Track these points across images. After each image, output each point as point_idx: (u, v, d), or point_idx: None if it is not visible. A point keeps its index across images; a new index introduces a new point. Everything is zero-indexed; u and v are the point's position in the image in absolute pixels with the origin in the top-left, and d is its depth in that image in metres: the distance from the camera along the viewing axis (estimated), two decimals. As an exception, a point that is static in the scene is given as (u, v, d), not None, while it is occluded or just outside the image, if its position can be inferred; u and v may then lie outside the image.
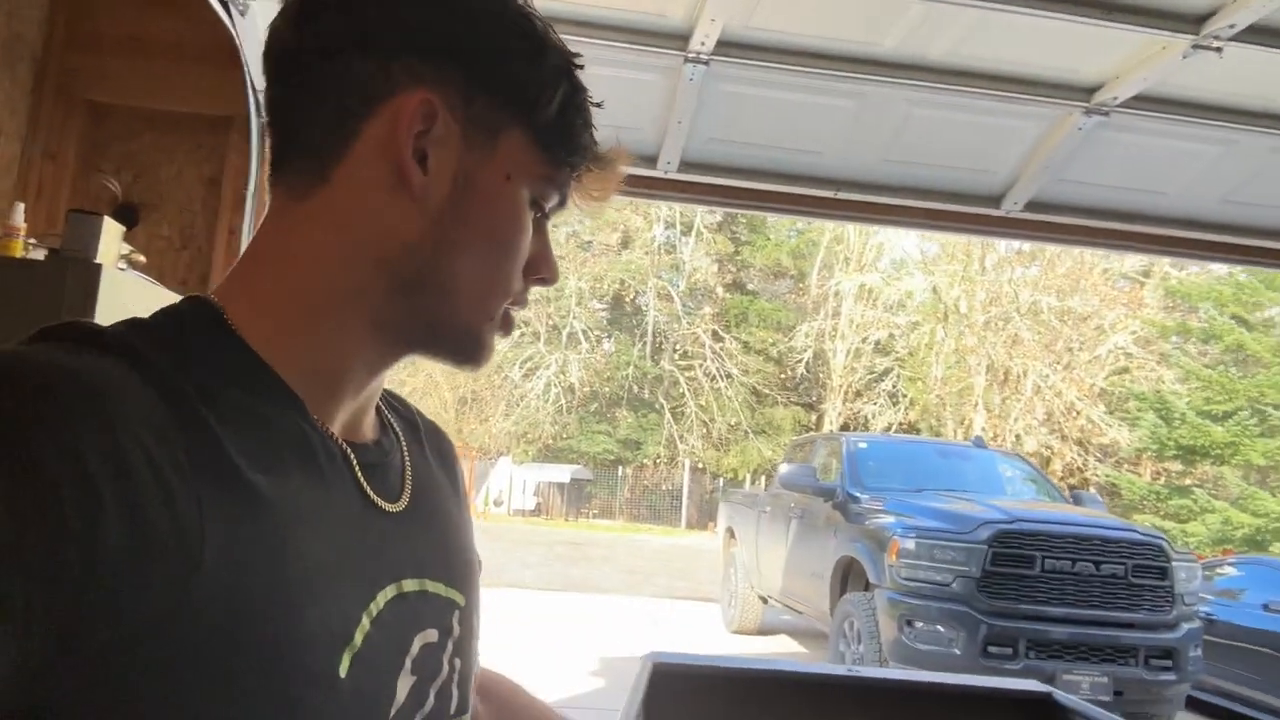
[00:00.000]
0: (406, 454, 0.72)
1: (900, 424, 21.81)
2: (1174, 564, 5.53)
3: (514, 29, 0.65)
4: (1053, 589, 5.43)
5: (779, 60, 2.57)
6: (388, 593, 0.61)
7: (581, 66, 0.68)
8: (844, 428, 20.87)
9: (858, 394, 22.87)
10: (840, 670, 2.00)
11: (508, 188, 0.64)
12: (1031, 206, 3.08)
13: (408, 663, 0.62)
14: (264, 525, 0.53)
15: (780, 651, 8.53)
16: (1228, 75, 2.45)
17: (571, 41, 0.69)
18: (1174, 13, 2.19)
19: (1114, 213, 3.13)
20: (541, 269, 0.69)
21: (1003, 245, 21.35)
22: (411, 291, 0.63)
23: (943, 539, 5.43)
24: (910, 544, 5.53)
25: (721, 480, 22.85)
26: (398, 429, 0.73)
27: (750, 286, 26.11)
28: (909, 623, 5.44)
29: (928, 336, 22.63)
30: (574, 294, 21.48)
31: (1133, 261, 21.39)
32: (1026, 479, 7.33)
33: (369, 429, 0.69)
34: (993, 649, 5.26)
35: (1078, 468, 21.60)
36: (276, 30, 0.64)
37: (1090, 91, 2.60)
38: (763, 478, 21.59)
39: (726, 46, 2.55)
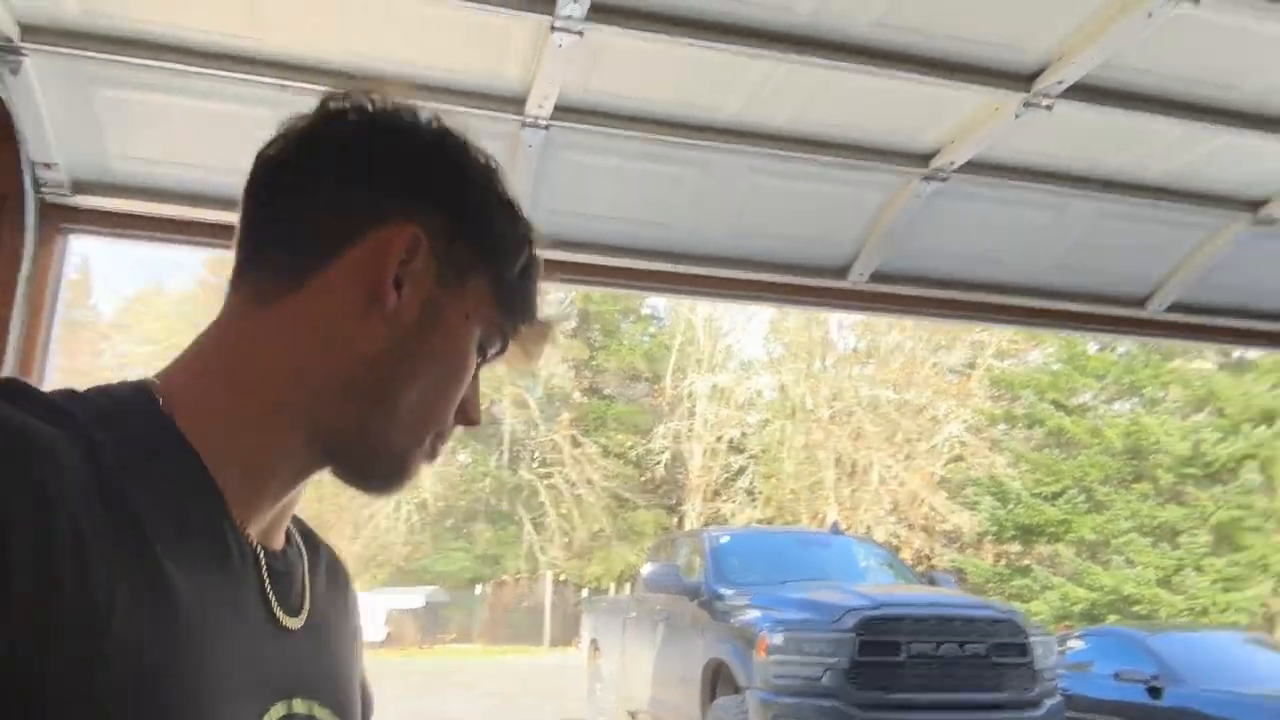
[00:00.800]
0: (307, 571, 0.73)
1: (758, 520, 22.05)
2: (1031, 640, 5.58)
3: (500, 194, 0.74)
4: (919, 674, 5.35)
5: (620, 126, 2.45)
6: (277, 710, 0.62)
7: (537, 241, 0.77)
8: (707, 523, 20.84)
9: (716, 493, 23.02)
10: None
11: (466, 326, 0.71)
12: (876, 277, 3.06)
13: None
14: (170, 615, 0.54)
15: (651, 769, 8.04)
16: (1056, 137, 2.52)
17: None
18: (1005, 71, 2.22)
19: (955, 282, 3.15)
20: (470, 410, 0.74)
21: (840, 343, 22.37)
22: (360, 402, 0.67)
23: (810, 631, 5.27)
24: (779, 639, 5.34)
25: (586, 591, 22.20)
26: (299, 543, 0.75)
27: (606, 391, 26.16)
28: (782, 724, 5.19)
29: (778, 433, 23.25)
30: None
31: (959, 355, 22.84)
32: (883, 564, 7.36)
33: (279, 538, 0.71)
34: (867, 745, 5.07)
35: (925, 554, 22.31)
36: (276, 143, 0.70)
37: (928, 158, 2.61)
38: (627, 584, 21.13)
39: (566, 111, 2.41)
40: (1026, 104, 2.25)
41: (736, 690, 5.70)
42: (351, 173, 0.69)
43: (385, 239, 0.67)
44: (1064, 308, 3.27)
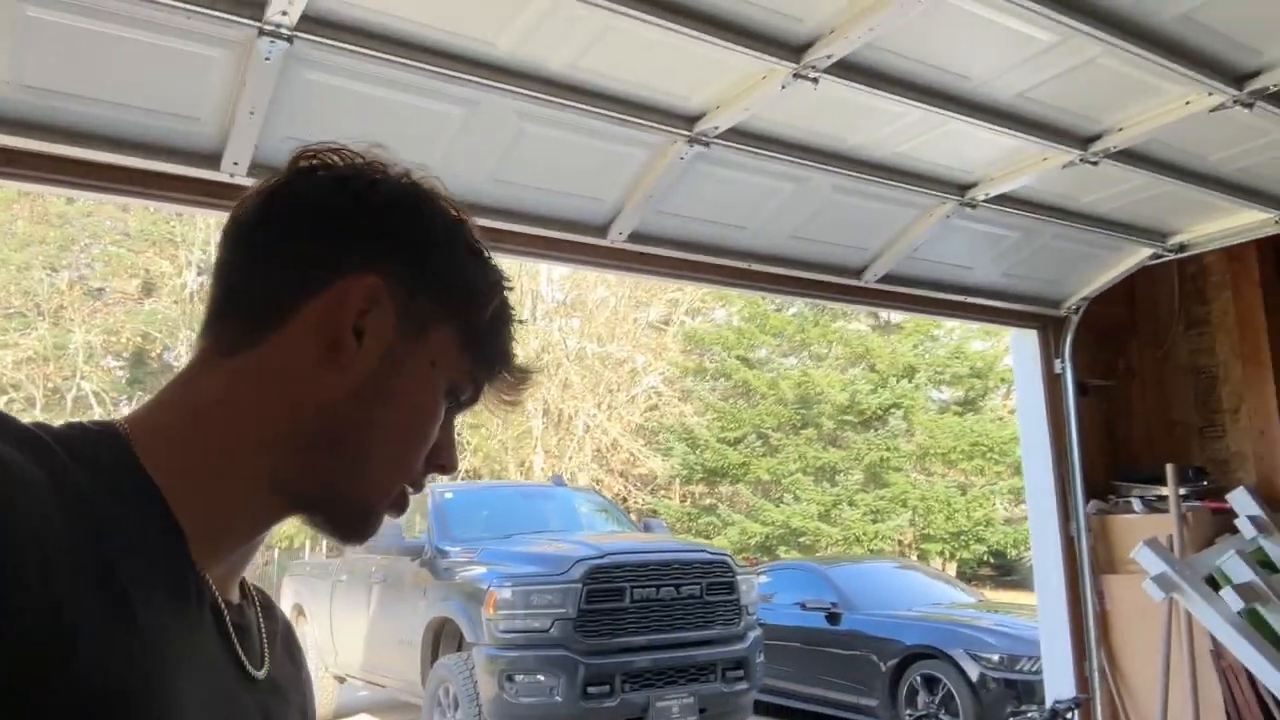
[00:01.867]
0: (263, 629, 0.73)
1: (466, 471, 21.90)
2: (739, 578, 6.04)
3: (468, 244, 0.74)
4: (641, 618, 5.59)
5: (380, 48, 2.18)
6: None
7: (512, 288, 0.77)
8: (408, 481, 20.31)
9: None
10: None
11: (430, 374, 0.71)
12: (634, 237, 3.06)
13: None
14: (138, 648, 0.54)
15: (360, 733, 7.74)
16: (812, 111, 2.63)
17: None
18: (779, 39, 2.25)
19: (705, 246, 3.24)
20: (442, 457, 0.73)
21: (549, 296, 22.66)
22: (321, 454, 0.67)
23: (539, 584, 5.30)
24: (507, 593, 5.31)
25: (276, 551, 20.77)
26: (256, 600, 0.74)
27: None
28: (509, 678, 5.20)
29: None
30: (81, 349, 18.06)
31: (657, 311, 24.03)
32: (602, 512, 7.60)
33: (234, 589, 0.70)
34: (591, 689, 5.24)
35: (623, 497, 23.48)
36: (247, 200, 0.71)
37: (694, 120, 2.62)
38: (323, 544, 20.07)
39: (314, 23, 2.10)
40: (796, 75, 2.31)
41: (460, 648, 5.62)
42: (314, 228, 0.70)
43: (344, 290, 0.68)
44: (796, 275, 3.49)
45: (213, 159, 2.30)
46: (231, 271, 0.71)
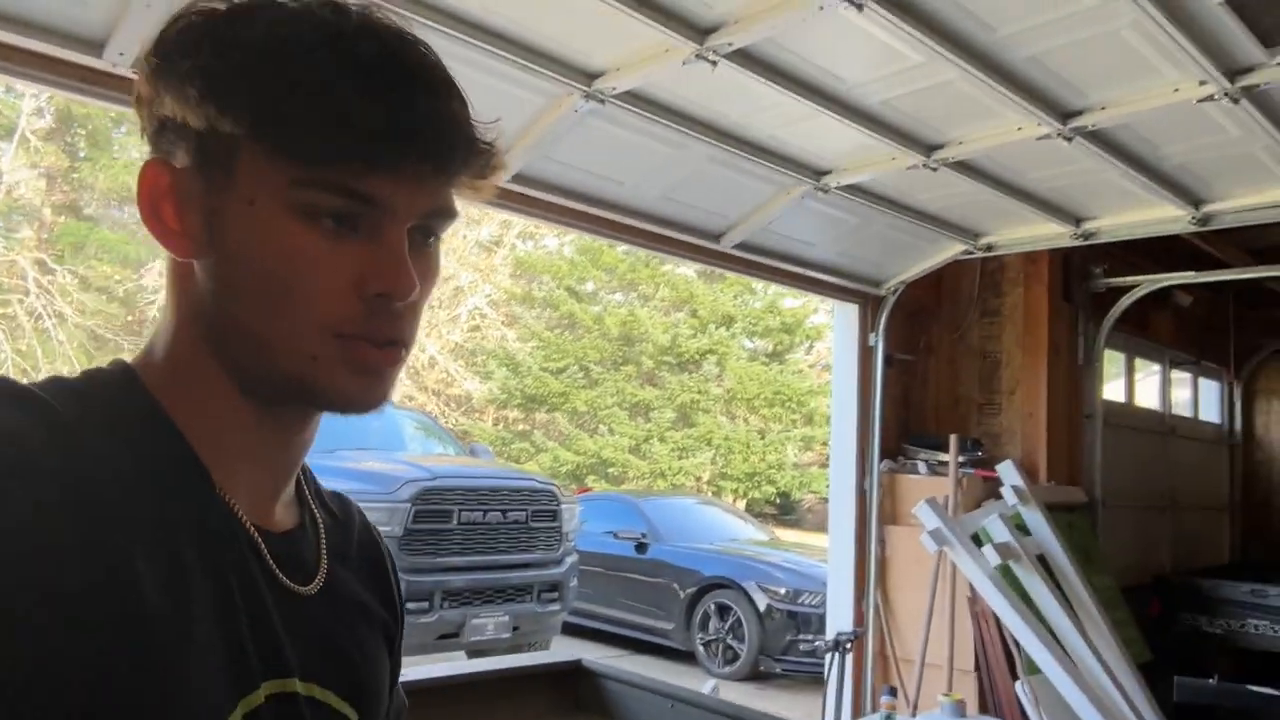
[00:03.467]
0: (325, 549, 0.68)
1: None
2: (562, 507, 6.31)
3: (214, 29, 0.58)
4: (465, 540, 5.75)
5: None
6: (269, 687, 0.58)
7: (344, 17, 0.58)
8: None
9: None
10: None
11: (254, 214, 0.58)
12: (519, 179, 3.14)
13: None
14: (137, 606, 0.51)
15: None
16: (702, 86, 2.80)
17: None
18: (686, 19, 2.39)
19: (584, 196, 3.36)
20: (372, 282, 0.58)
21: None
22: (232, 353, 0.61)
23: (365, 501, 5.31)
24: (331, 509, 5.30)
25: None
26: (321, 524, 0.69)
27: (88, 211, 22.12)
28: (326, 590, 5.22)
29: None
30: None
31: (487, 230, 23.59)
32: (430, 435, 7.62)
33: (284, 517, 0.66)
34: (410, 606, 5.35)
35: (436, 417, 23.19)
36: None
37: (593, 77, 2.72)
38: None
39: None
40: (698, 55, 2.46)
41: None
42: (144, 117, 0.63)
43: (139, 182, 0.61)
44: (664, 233, 3.68)
45: (96, 46, 2.17)
46: None
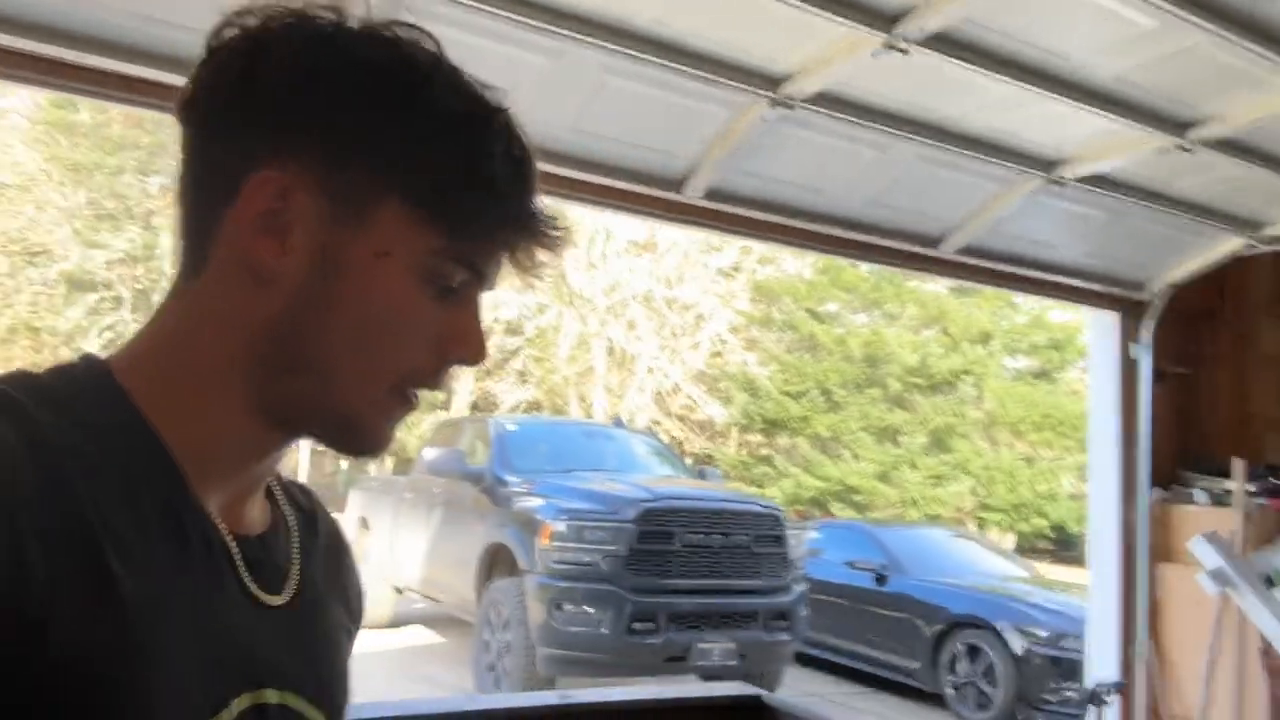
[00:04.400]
0: (296, 550, 0.68)
1: (528, 403, 22.34)
2: (787, 532, 6.13)
3: (381, 82, 0.59)
4: (689, 562, 5.73)
5: (469, -3, 2.23)
6: (244, 700, 0.58)
7: (501, 110, 0.61)
8: (474, 407, 20.81)
9: (488, 372, 22.94)
10: (553, 699, 1.79)
11: (383, 266, 0.59)
12: (711, 195, 3.08)
13: None
14: (116, 616, 0.51)
15: (416, 642, 8.14)
16: (899, 81, 2.60)
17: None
18: (870, 7, 2.23)
19: (781, 207, 3.24)
20: (456, 349, 0.63)
21: (621, 235, 22.64)
22: (283, 375, 0.61)
23: (593, 520, 5.46)
24: (562, 527, 5.50)
25: (344, 464, 21.61)
26: (291, 522, 0.69)
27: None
28: (558, 606, 5.41)
29: (555, 318, 23.35)
30: (169, 254, 18.82)
31: (728, 257, 23.82)
32: (660, 457, 7.73)
33: (256, 519, 0.66)
34: (637, 625, 5.42)
35: (680, 442, 23.65)
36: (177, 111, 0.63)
37: (778, 83, 2.61)
38: (389, 461, 20.78)
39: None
40: (887, 45, 2.28)
41: (514, 573, 5.85)
42: (214, 123, 0.61)
43: (247, 195, 0.58)
44: (872, 241, 3.46)
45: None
46: (179, 189, 0.63)
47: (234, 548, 0.61)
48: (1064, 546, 18.22)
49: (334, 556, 0.75)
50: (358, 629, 0.77)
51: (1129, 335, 4.30)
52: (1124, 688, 4.04)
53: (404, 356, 0.61)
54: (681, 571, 5.69)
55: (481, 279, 0.62)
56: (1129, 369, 4.32)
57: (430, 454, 6.93)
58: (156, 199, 17.51)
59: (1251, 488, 3.96)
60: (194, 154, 0.62)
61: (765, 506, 6.40)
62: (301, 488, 0.76)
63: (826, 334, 19.64)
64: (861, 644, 7.83)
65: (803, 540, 6.37)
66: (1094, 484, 4.54)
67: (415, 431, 15.18)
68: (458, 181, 0.59)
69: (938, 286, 19.41)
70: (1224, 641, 3.75)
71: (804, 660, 7.17)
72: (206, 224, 0.61)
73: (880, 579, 7.87)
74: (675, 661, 5.51)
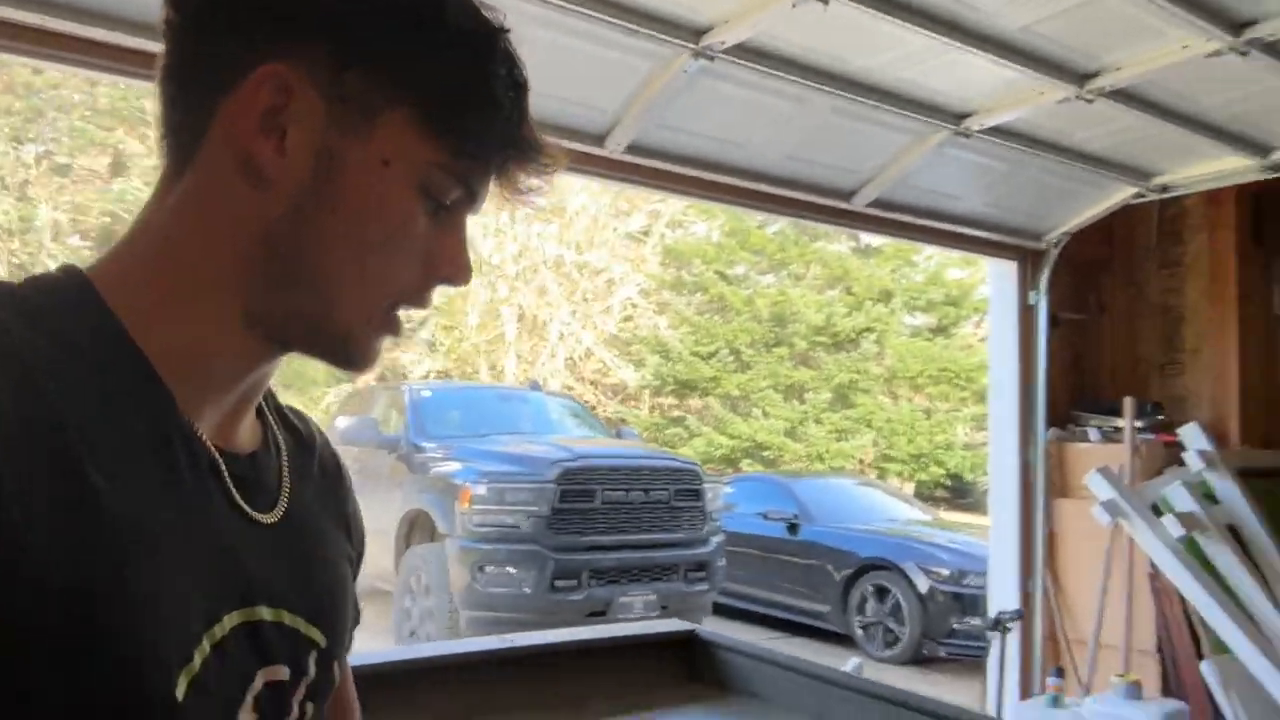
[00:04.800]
0: (287, 470, 0.66)
1: (437, 372, 21.97)
2: (705, 486, 6.26)
3: None
4: (610, 519, 5.79)
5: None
6: (235, 617, 0.57)
7: (504, 32, 0.61)
8: (381, 377, 20.37)
9: (395, 343, 22.47)
10: (495, 643, 1.80)
11: (384, 174, 0.58)
12: (633, 149, 3.08)
13: (249, 698, 0.57)
14: (96, 530, 0.49)
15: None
16: (817, 32, 2.64)
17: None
18: (794, -42, 2.25)
19: (702, 161, 3.26)
20: (443, 267, 0.62)
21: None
22: (278, 285, 0.59)
23: (513, 482, 5.45)
24: (482, 490, 5.47)
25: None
26: (282, 444, 0.68)
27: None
28: (481, 568, 5.40)
29: (464, 287, 23.06)
30: (48, 227, 17.67)
31: (637, 221, 23.83)
32: (577, 418, 7.75)
33: (247, 438, 0.64)
34: (559, 583, 5.46)
35: (593, 406, 23.71)
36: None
37: (700, 34, 2.62)
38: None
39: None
40: (809, -7, 2.32)
41: (434, 539, 5.80)
42: (216, 11, 0.58)
43: (250, 86, 0.56)
44: (789, 195, 3.53)
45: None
46: (164, 78, 0.60)
47: (223, 465, 0.59)
48: (959, 494, 19.12)
49: (331, 482, 0.73)
50: (360, 559, 0.76)
51: (1027, 283, 4.51)
52: (1024, 615, 4.30)
53: (399, 272, 0.60)
54: (603, 528, 5.75)
55: (473, 199, 0.62)
56: (1027, 316, 4.55)
57: (343, 423, 6.77)
58: (32, 168, 16.38)
59: (1140, 424, 4.23)
60: (186, 40, 0.58)
61: (683, 463, 6.51)
62: (297, 412, 0.74)
63: (735, 295, 19.89)
64: (775, 591, 8.09)
65: (719, 494, 6.51)
66: (994, 426, 4.78)
67: (321, 404, 14.75)
68: (465, 98, 0.58)
69: (841, 247, 19.85)
70: (1115, 567, 4.03)
71: (721, 610, 7.36)
72: (196, 116, 0.58)
73: (792, 528, 8.13)
74: (597, 616, 5.59)
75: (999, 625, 3.94)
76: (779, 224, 19.81)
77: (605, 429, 7.86)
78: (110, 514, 0.50)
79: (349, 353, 0.61)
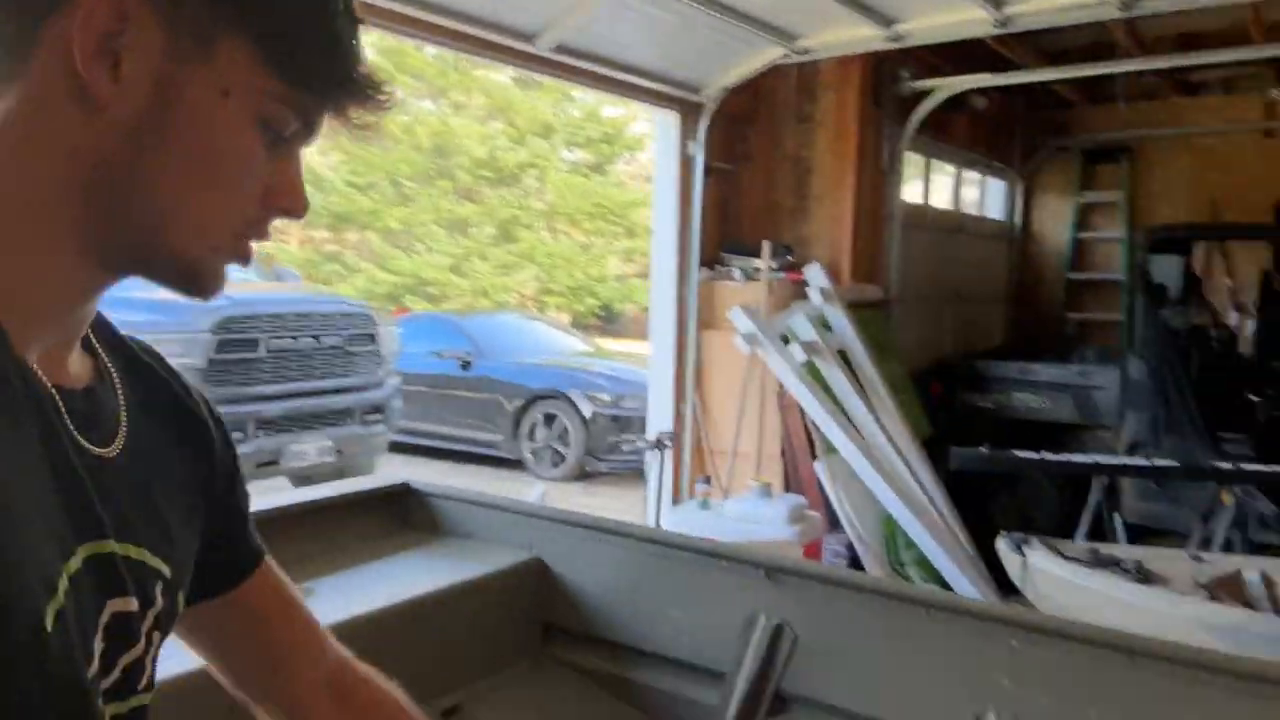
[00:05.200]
0: (123, 400, 0.65)
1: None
2: (379, 330, 6.13)
3: None
4: (277, 367, 5.51)
5: None
6: (85, 550, 0.56)
7: None
8: None
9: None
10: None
11: (223, 105, 0.57)
12: None
13: (100, 628, 0.58)
14: None
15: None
16: None
17: None
18: None
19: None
20: (282, 199, 0.62)
21: None
22: (114, 214, 0.57)
23: (163, 333, 4.93)
24: (125, 343, 4.89)
25: None
26: (112, 369, 0.66)
27: None
28: (128, 428, 4.91)
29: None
30: None
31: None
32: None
33: (78, 370, 0.62)
34: (224, 436, 5.14)
35: (236, 241, 21.73)
36: None
37: None
38: None
39: None
40: None
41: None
42: None
43: (83, 10, 0.53)
44: (473, 33, 3.41)
45: None
46: None
47: (59, 400, 0.57)
48: (609, 322, 20.52)
49: (177, 406, 0.71)
50: (228, 470, 0.75)
51: (687, 135, 4.83)
52: (678, 434, 4.88)
53: (239, 203, 0.60)
54: (270, 378, 5.46)
55: (310, 132, 0.62)
56: (686, 165, 4.90)
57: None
58: None
59: (774, 265, 4.83)
60: None
61: (356, 306, 6.29)
62: (133, 339, 0.71)
63: (393, 122, 18.79)
64: (450, 425, 8.32)
65: (394, 336, 6.44)
66: (656, 267, 5.19)
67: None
68: (304, 32, 0.58)
69: (503, 77, 19.41)
70: (751, 389, 4.68)
71: (397, 448, 7.43)
72: (20, 31, 0.54)
73: (465, 365, 8.31)
74: (267, 466, 5.40)
75: (658, 444, 4.45)
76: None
77: (261, 270, 7.29)
78: None
79: (196, 279, 0.61)
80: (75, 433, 0.58)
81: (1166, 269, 5.42)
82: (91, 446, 0.59)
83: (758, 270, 4.92)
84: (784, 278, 4.95)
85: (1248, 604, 2.97)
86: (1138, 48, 5.52)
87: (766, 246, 4.84)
